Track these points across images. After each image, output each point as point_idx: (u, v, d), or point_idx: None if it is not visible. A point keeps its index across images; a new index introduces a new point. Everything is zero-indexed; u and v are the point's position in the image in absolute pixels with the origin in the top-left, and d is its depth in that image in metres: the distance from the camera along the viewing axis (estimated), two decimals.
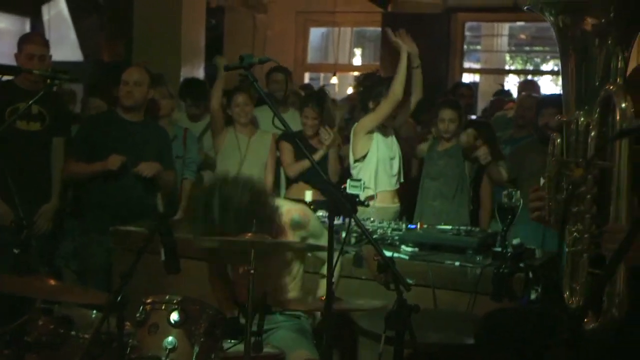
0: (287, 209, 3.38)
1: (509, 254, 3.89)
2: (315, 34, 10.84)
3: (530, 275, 3.84)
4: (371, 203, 4.69)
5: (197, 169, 5.75)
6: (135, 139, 4.90)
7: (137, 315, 2.84)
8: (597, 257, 2.43)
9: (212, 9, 9.29)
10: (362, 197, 4.49)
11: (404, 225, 4.54)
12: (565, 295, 2.59)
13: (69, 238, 5.28)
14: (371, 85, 5.28)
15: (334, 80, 9.79)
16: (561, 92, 2.57)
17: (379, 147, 5.10)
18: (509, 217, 4.00)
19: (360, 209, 4.58)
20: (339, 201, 2.38)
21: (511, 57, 12.51)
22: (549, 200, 2.53)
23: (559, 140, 2.51)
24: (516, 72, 12.60)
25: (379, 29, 9.87)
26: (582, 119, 2.42)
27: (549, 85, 13.80)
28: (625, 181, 2.29)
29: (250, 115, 5.75)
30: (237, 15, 10.33)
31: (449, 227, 4.53)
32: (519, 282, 3.83)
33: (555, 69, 14.29)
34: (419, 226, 4.58)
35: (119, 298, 2.54)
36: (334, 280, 3.02)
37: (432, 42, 9.27)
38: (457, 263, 4.00)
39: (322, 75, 10.84)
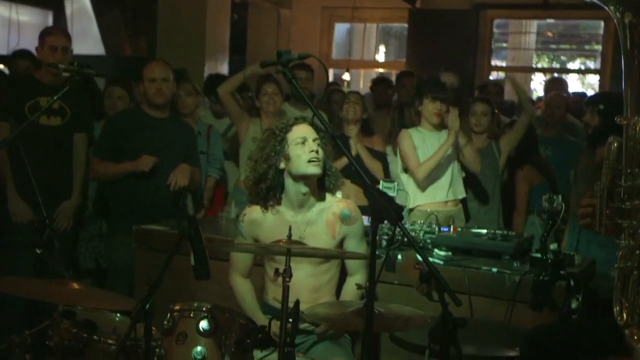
0: (339, 200, 3.44)
1: (550, 261, 3.72)
2: (340, 29, 10.68)
3: (572, 283, 3.68)
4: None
5: (221, 166, 5.62)
6: (163, 136, 4.77)
7: (165, 323, 2.71)
8: None
9: (235, 4, 9.17)
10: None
11: (437, 228, 4.38)
12: (615, 310, 2.43)
13: (95, 238, 5.17)
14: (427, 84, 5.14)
15: (347, 76, 9.62)
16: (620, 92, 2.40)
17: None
18: (550, 222, 3.83)
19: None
20: (383, 208, 2.23)
21: (538, 55, 12.28)
22: (601, 209, 2.36)
23: (616, 145, 2.34)
24: (543, 70, 12.38)
25: (405, 25, 9.71)
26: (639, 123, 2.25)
27: (576, 84, 13.59)
28: None
29: (279, 106, 5.62)
30: (260, 10, 10.21)
31: (484, 230, 4.36)
32: (560, 290, 3.67)
33: (582, 67, 14.08)
34: (452, 229, 4.42)
35: (147, 306, 2.40)
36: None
37: (460, 39, 9.12)
38: (494, 269, 3.83)
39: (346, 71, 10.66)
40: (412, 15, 9.40)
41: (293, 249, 2.50)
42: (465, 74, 8.87)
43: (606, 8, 2.34)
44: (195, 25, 7.67)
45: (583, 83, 15.04)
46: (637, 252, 2.27)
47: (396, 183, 4.24)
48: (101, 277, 5.06)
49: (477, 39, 9.31)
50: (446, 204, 4.88)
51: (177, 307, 2.74)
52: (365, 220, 3.67)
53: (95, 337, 2.91)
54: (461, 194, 5.05)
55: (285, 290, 2.49)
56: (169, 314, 2.72)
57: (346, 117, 5.39)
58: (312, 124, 3.32)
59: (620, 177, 2.32)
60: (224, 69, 7.98)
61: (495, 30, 9.89)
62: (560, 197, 3.85)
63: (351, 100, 5.42)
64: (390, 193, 4.20)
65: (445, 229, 4.46)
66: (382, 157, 5.39)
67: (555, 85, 8.05)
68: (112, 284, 4.62)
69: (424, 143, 4.93)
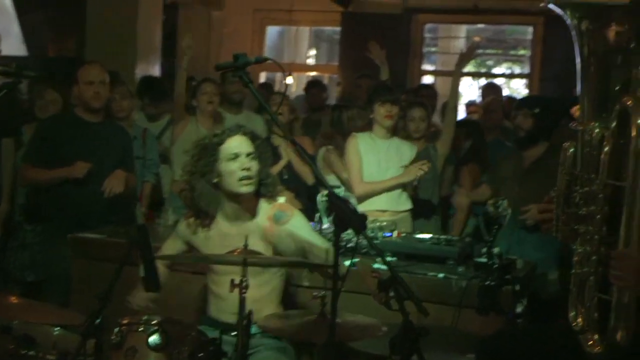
0: (272, 206, 3.34)
1: (496, 266, 3.74)
2: (272, 32, 10.61)
3: (517, 288, 3.71)
4: None
5: (157, 171, 5.49)
6: (98, 141, 4.62)
7: (113, 337, 2.60)
8: (605, 280, 2.29)
9: (165, 4, 8.99)
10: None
11: (380, 234, 4.35)
12: (570, 315, 2.44)
13: (26, 247, 4.96)
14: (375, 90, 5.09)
15: (290, 80, 9.57)
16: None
17: None
18: (495, 227, 3.85)
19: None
20: (347, 216, 2.18)
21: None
22: (558, 214, 2.37)
23: (571, 150, 2.36)
24: (470, 74, 12.55)
25: (337, 28, 9.70)
26: (596, 130, 2.26)
27: (503, 88, 13.84)
28: (638, 204, 2.14)
29: (216, 106, 5.52)
30: (191, 11, 10.04)
31: (428, 235, 4.35)
32: (507, 295, 3.69)
33: (508, 72, 14.35)
34: (395, 234, 4.40)
35: (97, 321, 2.29)
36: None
37: (391, 43, 9.14)
38: (440, 275, 3.82)
39: (277, 74, 10.59)
40: (345, 19, 9.41)
41: (250, 258, 2.42)
42: (396, 77, 8.91)
43: (563, 14, 2.34)
44: (126, 26, 7.47)
45: (509, 87, 15.35)
46: (594, 257, 2.28)
47: (342, 189, 4.20)
48: (31, 288, 4.85)
49: (409, 43, 9.37)
50: (384, 212, 4.82)
51: (125, 321, 2.63)
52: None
53: (33, 352, 2.78)
54: (404, 205, 5.00)
55: (242, 302, 2.41)
56: (117, 328, 2.61)
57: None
58: (247, 134, 3.24)
59: (576, 183, 2.33)
60: (155, 71, 7.80)
61: (426, 34, 9.98)
62: (505, 201, 3.88)
63: (278, 102, 5.34)
64: None
65: (389, 234, 4.45)
66: (311, 161, 5.26)
67: (492, 91, 8.17)
68: (47, 295, 4.44)
69: (373, 148, 4.88)
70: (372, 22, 9.24)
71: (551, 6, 2.34)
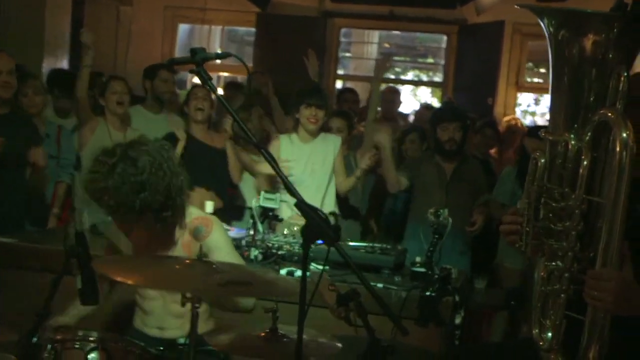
0: (195, 217, 3.06)
1: (436, 276, 3.67)
2: (184, 30, 10.30)
3: (457, 298, 3.65)
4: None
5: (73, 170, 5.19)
6: (3, 134, 4.30)
7: (45, 355, 2.36)
8: (576, 298, 2.23)
9: None
10: (277, 213, 4.14)
11: None
12: (534, 332, 2.37)
13: None
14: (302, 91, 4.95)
15: (196, 79, 9.30)
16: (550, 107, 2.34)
17: None
18: (436, 237, 3.78)
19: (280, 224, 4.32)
20: (318, 227, 2.03)
21: None
22: (527, 227, 2.29)
23: (542, 161, 2.28)
24: (387, 80, 12.57)
25: (252, 29, 9.51)
26: (572, 142, 2.19)
27: (408, 96, 13.94)
28: (619, 222, 2.07)
29: (126, 107, 5.28)
30: (98, 6, 9.63)
31: (362, 244, 4.25)
32: (447, 306, 3.64)
33: (416, 79, 14.47)
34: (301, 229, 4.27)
35: (33, 339, 2.06)
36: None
37: (307, 46, 9.03)
38: (380, 285, 3.73)
39: (189, 74, 10.30)
40: (260, 20, 9.23)
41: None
42: (312, 81, 8.82)
43: (540, 21, 2.27)
44: (34, 18, 7.09)
45: (415, 95, 15.50)
46: (566, 275, 2.21)
47: (279, 194, 4.04)
48: None
49: (325, 46, 9.27)
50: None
51: (59, 337, 2.40)
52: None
53: None
54: (328, 207, 4.88)
55: (194, 317, 2.23)
56: (49, 345, 2.38)
57: (194, 117, 5.12)
58: None
59: (547, 196, 2.26)
60: (64, 65, 7.44)
61: (342, 38, 9.91)
62: (446, 210, 3.82)
63: (199, 95, 5.15)
64: (273, 205, 4.01)
65: (321, 242, 4.31)
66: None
67: (392, 95, 8.19)
68: None
69: (297, 151, 4.75)
70: (288, 25, 9.10)
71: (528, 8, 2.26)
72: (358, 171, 4.85)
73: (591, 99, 2.22)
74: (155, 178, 2.75)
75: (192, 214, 3.04)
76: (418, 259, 4.06)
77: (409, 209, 5.07)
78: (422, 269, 3.85)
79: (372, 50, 11.45)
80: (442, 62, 9.74)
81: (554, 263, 2.26)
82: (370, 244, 4.21)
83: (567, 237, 2.19)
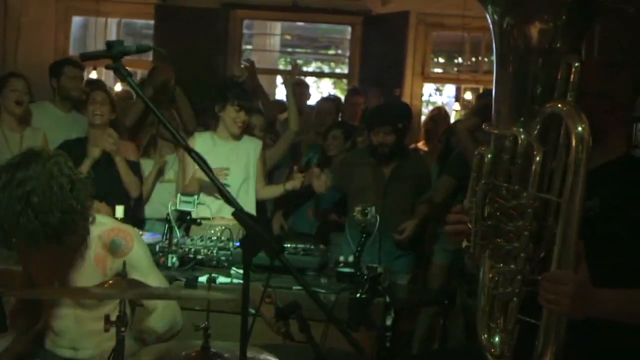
0: (110, 229, 2.76)
1: (365, 277, 3.53)
2: (77, 23, 9.82)
3: (388, 299, 3.53)
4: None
5: None
6: None
7: None
8: (528, 301, 2.12)
9: None
10: (194, 215, 3.89)
11: (231, 244, 4.02)
12: (482, 337, 2.25)
13: None
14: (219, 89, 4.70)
15: (93, 74, 8.89)
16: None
17: None
18: (364, 236, 3.64)
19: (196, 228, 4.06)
20: (259, 237, 1.84)
21: (280, 57, 12.29)
22: (476, 228, 2.16)
23: (489, 156, 2.15)
24: (282, 72, 12.40)
25: (151, 22, 9.16)
26: (522, 136, 2.06)
27: (312, 88, 13.83)
28: (576, 221, 1.97)
29: (25, 107, 4.91)
30: None
31: (285, 245, 4.06)
32: (378, 308, 3.51)
33: (318, 71, 14.37)
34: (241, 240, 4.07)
35: None
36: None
37: (209, 38, 8.79)
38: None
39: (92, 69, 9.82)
40: (159, 12, 8.88)
41: (129, 293, 2.01)
42: (216, 75, 8.57)
43: (483, 8, 2.14)
44: None
45: (318, 87, 15.41)
46: (519, 277, 2.10)
47: (196, 196, 3.81)
48: None
49: (227, 39, 9.02)
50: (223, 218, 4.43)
51: None
52: None
53: None
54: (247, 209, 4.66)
55: (121, 342, 2.00)
56: None
57: (92, 121, 4.72)
58: None
59: (495, 194, 2.14)
60: None
61: (245, 30, 9.67)
62: (373, 208, 3.68)
63: (97, 100, 4.74)
64: (189, 207, 3.77)
65: (238, 244, 4.12)
66: (135, 169, 4.75)
67: (300, 89, 8.01)
68: None
69: (213, 150, 4.49)
70: (189, 17, 8.80)
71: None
72: (281, 189, 4.66)
73: (538, 90, 2.11)
74: (45, 202, 2.42)
75: (106, 224, 2.77)
76: (342, 258, 3.91)
77: (340, 210, 4.84)
78: (349, 270, 3.71)
79: (275, 42, 11.28)
80: (347, 53, 9.65)
81: (501, 264, 2.15)
82: (293, 245, 4.03)
83: (518, 237, 2.07)
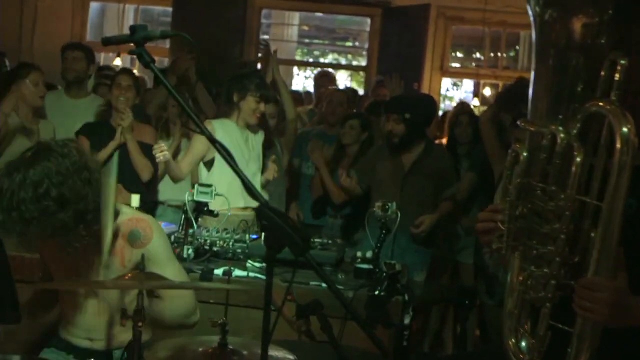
0: (129, 218, 2.67)
1: (384, 274, 3.45)
2: (94, 9, 9.78)
3: (406, 297, 3.44)
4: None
5: None
6: None
7: None
8: (560, 306, 2.03)
9: None
10: (211, 207, 3.82)
11: (247, 236, 3.94)
12: (510, 342, 2.16)
13: None
14: (239, 77, 4.60)
15: (118, 61, 8.85)
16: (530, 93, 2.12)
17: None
18: (384, 232, 3.55)
19: (210, 219, 3.99)
20: (283, 233, 1.76)
21: (297, 48, 12.22)
22: (510, 229, 2.07)
23: (525, 154, 2.05)
24: (307, 64, 12.36)
25: (169, 9, 9.09)
26: (562, 135, 1.96)
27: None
28: (616, 226, 1.86)
29: (43, 100, 4.87)
30: None
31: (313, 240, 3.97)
32: (397, 306, 3.43)
33: (334, 62, 14.28)
34: (264, 237, 3.99)
35: None
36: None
37: (227, 27, 8.71)
38: (324, 285, 3.47)
39: (102, 55, 9.79)
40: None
41: (148, 284, 1.93)
42: (231, 64, 8.49)
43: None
44: None
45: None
46: (552, 282, 2.00)
47: (214, 187, 3.73)
48: None
49: (245, 27, 8.95)
50: (244, 210, 4.35)
51: None
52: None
53: None
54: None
55: (138, 336, 1.92)
56: None
57: (116, 105, 4.70)
58: None
59: (530, 194, 2.05)
60: None
61: (263, 20, 9.60)
62: (394, 204, 3.60)
63: (122, 85, 4.73)
64: (206, 199, 3.70)
65: (256, 237, 4.05)
66: (149, 152, 4.57)
67: (325, 81, 7.92)
68: None
69: (232, 137, 4.40)
70: (207, 4, 8.72)
71: None
72: (263, 179, 4.60)
73: (579, 87, 2.00)
74: (66, 194, 2.34)
75: (125, 213, 2.67)
76: (359, 254, 3.84)
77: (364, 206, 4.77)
78: (367, 266, 3.63)
79: (292, 33, 11.20)
80: (365, 45, 9.57)
81: (533, 267, 2.06)
82: (312, 240, 3.94)
83: (554, 240, 1.97)
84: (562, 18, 1.99)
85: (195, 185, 3.79)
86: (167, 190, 4.92)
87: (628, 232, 1.94)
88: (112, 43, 1.94)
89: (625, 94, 1.92)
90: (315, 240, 3.96)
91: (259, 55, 6.20)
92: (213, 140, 1.87)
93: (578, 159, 1.92)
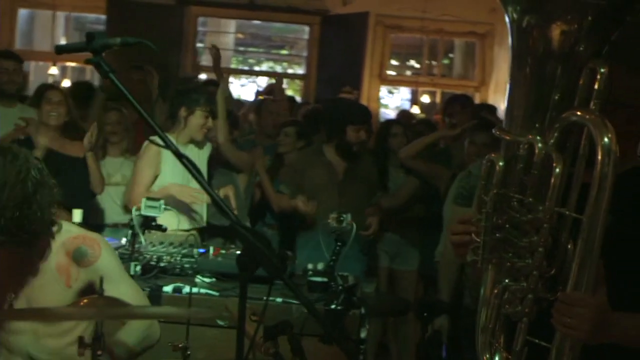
0: (74, 236, 2.51)
1: (341, 287, 3.35)
2: (23, 16, 9.45)
3: (363, 310, 3.36)
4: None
5: None
6: None
7: None
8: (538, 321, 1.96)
9: None
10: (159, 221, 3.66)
11: (195, 251, 3.80)
12: (484, 357, 2.09)
13: None
14: (186, 91, 4.48)
15: (54, 70, 8.57)
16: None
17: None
18: (339, 244, 3.46)
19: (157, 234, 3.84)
20: (259, 255, 1.65)
21: (233, 56, 12.06)
22: (485, 241, 2.00)
23: (501, 164, 1.98)
24: (236, 71, 12.19)
25: (102, 16, 8.86)
26: (539, 144, 1.90)
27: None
28: (597, 240, 1.81)
29: None
30: None
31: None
32: (354, 320, 3.34)
33: (270, 70, 14.16)
34: (212, 251, 3.86)
35: None
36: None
37: (164, 35, 8.53)
38: (279, 299, 3.37)
39: (32, 64, 9.46)
40: (112, 6, 8.58)
41: (109, 312, 1.79)
42: (170, 72, 8.33)
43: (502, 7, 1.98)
44: None
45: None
46: (530, 296, 1.94)
47: (162, 201, 3.58)
48: None
49: (182, 36, 8.78)
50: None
51: None
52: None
53: None
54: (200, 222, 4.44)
55: None
56: None
57: (47, 121, 4.52)
58: None
59: (507, 206, 1.98)
60: None
61: (200, 28, 9.42)
62: (349, 215, 3.51)
63: (54, 100, 4.55)
64: (155, 213, 3.55)
65: (203, 251, 3.91)
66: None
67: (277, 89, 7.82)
68: None
69: (166, 153, 4.23)
70: (142, 12, 8.54)
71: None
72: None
73: (556, 96, 1.95)
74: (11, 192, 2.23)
75: (70, 231, 2.52)
76: (310, 266, 3.74)
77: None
78: (321, 279, 3.53)
79: (228, 41, 11.04)
80: (303, 53, 9.50)
81: (508, 280, 1.99)
82: None
83: (532, 253, 1.91)
84: (541, 25, 1.93)
85: (143, 199, 3.63)
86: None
87: (604, 246, 1.89)
88: (66, 51, 1.81)
89: (605, 103, 1.87)
90: None
91: (199, 63, 6.02)
92: (180, 155, 1.74)
93: (558, 170, 1.86)
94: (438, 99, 9.31)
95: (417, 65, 10.73)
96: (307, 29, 9.12)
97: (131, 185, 4.35)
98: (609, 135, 1.78)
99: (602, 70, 1.84)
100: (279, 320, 2.13)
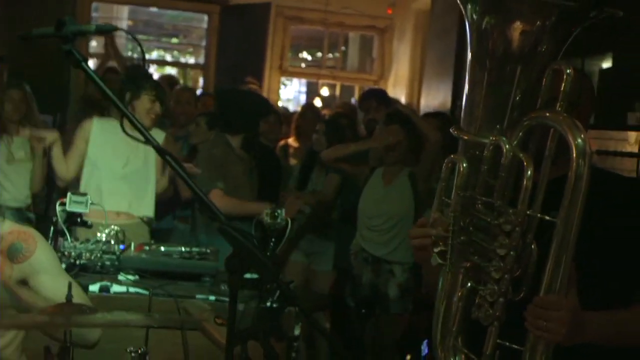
0: (9, 232, 2.38)
1: (276, 284, 3.31)
2: None
3: (297, 308, 3.34)
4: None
5: None
6: None
7: None
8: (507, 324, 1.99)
9: None
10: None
11: (116, 247, 3.67)
12: (440, 356, 2.11)
13: None
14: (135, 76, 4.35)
15: None
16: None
17: None
18: (273, 240, 3.42)
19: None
20: (250, 257, 1.60)
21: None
22: (453, 245, 2.00)
23: (464, 165, 2.00)
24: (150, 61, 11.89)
25: None
26: (507, 146, 1.92)
27: (155, 76, 13.30)
28: (572, 242, 1.81)
29: None
30: None
31: (179, 248, 3.75)
32: (290, 317, 3.31)
33: (159, 59, 13.85)
34: (133, 248, 3.74)
35: None
36: None
37: (55, 20, 8.18)
38: (212, 298, 3.30)
39: None
40: None
41: (78, 319, 1.69)
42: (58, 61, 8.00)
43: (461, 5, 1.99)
44: None
45: (159, 73, 14.85)
46: (501, 299, 1.94)
47: (88, 197, 3.43)
48: None
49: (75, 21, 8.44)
50: (118, 215, 4.10)
51: None
52: None
53: None
54: (146, 209, 4.32)
55: None
56: None
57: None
58: None
59: (474, 209, 1.99)
60: None
61: (93, 14, 9.11)
62: (283, 210, 3.47)
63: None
64: (81, 209, 3.40)
65: (122, 247, 3.78)
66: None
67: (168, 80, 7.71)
68: None
69: (109, 139, 4.17)
70: None
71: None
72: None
73: (517, 97, 1.97)
74: None
75: (5, 227, 2.39)
76: None
77: None
78: (254, 276, 3.47)
79: (122, 27, 10.72)
80: (196, 42, 9.36)
81: (472, 283, 2.01)
82: (187, 249, 3.73)
83: (503, 257, 1.91)
84: (501, 26, 1.94)
85: (69, 194, 3.47)
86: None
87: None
88: (35, 37, 1.69)
89: (570, 105, 1.91)
90: (193, 249, 3.74)
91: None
92: (161, 151, 1.66)
93: (529, 172, 1.87)
94: (337, 92, 9.37)
95: (309, 58, 10.76)
96: (205, 17, 8.98)
97: (59, 164, 4.29)
98: (582, 136, 1.79)
99: (568, 71, 1.86)
100: (247, 325, 2.07)
